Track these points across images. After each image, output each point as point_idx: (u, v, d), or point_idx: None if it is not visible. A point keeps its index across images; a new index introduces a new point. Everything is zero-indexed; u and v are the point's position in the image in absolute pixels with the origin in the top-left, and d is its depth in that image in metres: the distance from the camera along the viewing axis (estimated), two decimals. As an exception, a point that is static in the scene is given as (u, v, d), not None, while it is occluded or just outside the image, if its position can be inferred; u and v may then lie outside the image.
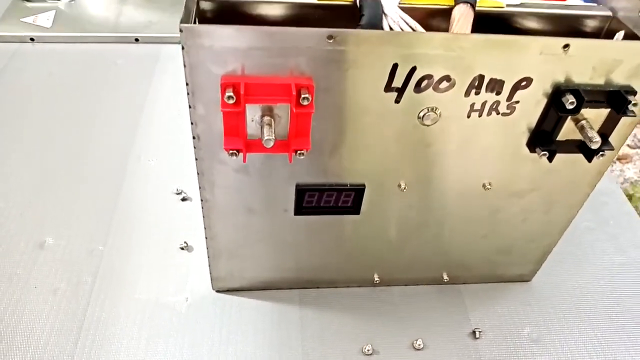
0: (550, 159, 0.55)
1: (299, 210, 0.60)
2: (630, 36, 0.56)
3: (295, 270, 0.70)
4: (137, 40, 1.13)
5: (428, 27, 0.59)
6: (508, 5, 0.57)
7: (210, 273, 0.69)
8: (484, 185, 0.60)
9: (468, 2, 0.53)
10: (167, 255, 0.75)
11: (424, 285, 0.75)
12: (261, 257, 0.68)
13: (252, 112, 0.48)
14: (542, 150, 0.54)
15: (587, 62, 0.49)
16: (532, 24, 0.58)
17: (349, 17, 0.54)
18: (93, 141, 0.91)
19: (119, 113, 0.97)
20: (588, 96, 0.50)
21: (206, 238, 0.63)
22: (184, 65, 0.46)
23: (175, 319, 0.68)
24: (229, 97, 0.46)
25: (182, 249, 0.76)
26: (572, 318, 0.72)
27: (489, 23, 0.57)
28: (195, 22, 0.51)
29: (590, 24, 0.59)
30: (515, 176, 0.60)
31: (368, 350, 0.66)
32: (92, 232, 0.77)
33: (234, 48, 0.44)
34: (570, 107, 0.50)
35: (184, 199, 0.82)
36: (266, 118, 0.49)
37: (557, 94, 0.51)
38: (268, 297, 0.71)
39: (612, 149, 0.54)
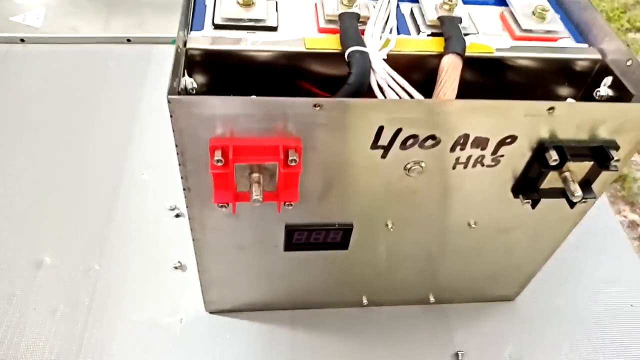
0: (533, 206, 0.56)
1: (289, 246, 0.62)
2: (617, 84, 0.56)
3: (286, 295, 0.73)
4: (129, 40, 1.12)
5: (416, 74, 0.60)
6: (498, 50, 0.57)
7: (203, 297, 0.71)
8: (469, 224, 0.62)
9: (456, 53, 0.53)
10: (161, 274, 0.77)
11: (412, 306, 0.77)
12: (252, 285, 0.70)
13: (241, 169, 0.49)
14: (526, 199, 0.55)
15: (572, 121, 0.49)
16: (521, 67, 0.58)
17: (338, 64, 0.54)
18: (86, 152, 0.91)
19: (111, 121, 0.97)
20: (571, 152, 0.51)
21: (198, 271, 0.65)
22: (173, 130, 0.46)
23: (170, 341, 0.71)
24: (218, 161, 0.46)
25: (176, 268, 0.78)
26: (552, 338, 0.75)
27: (479, 67, 0.57)
28: (184, 74, 0.51)
29: (580, 66, 0.59)
30: (500, 217, 0.61)
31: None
32: (88, 251, 0.79)
33: (222, 115, 0.45)
34: (554, 164, 0.51)
35: (177, 215, 0.84)
36: (255, 175, 0.49)
37: (541, 149, 0.51)
38: (260, 319, 0.74)
39: (595, 198, 0.56)
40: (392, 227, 0.60)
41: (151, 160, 0.90)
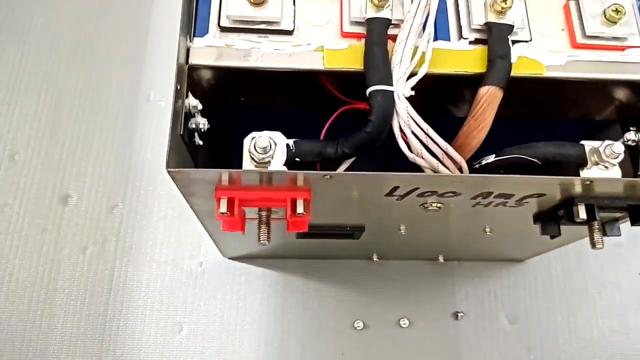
0: (552, 237, 0.54)
1: (300, 236, 0.62)
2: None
3: (299, 251, 0.76)
4: None
5: (450, 96, 0.52)
6: (550, 67, 0.48)
7: (217, 247, 0.75)
8: (484, 231, 0.60)
9: (497, 86, 0.46)
10: (182, 219, 0.80)
11: (420, 261, 0.80)
12: (267, 248, 0.72)
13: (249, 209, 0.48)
14: (544, 232, 0.53)
15: (609, 187, 0.45)
16: (573, 87, 0.50)
17: (362, 83, 0.47)
18: (100, 82, 0.87)
19: (122, 46, 0.90)
20: (603, 209, 0.47)
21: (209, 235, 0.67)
22: (176, 184, 0.44)
23: (191, 282, 0.77)
24: (223, 213, 0.45)
25: (196, 211, 0.80)
26: (552, 302, 0.79)
27: (523, 86, 0.50)
28: (187, 96, 0.46)
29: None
30: (518, 228, 0.59)
31: (358, 326, 0.76)
32: (111, 188, 0.81)
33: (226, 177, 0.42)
34: (580, 221, 0.47)
35: (196, 151, 0.83)
36: (263, 214, 0.48)
37: (569, 202, 0.48)
38: (274, 266, 0.78)
39: (620, 235, 0.53)
40: (404, 231, 0.60)
41: (167, 84, 0.86)
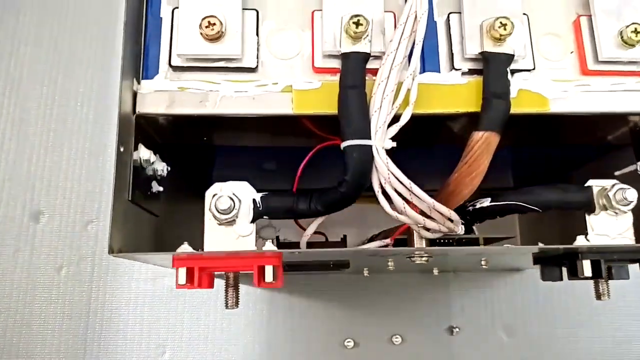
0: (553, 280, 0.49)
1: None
2: None
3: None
4: None
5: (437, 133, 0.46)
6: (555, 102, 0.42)
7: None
8: (480, 263, 0.55)
9: (493, 131, 0.40)
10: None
11: (413, 273, 0.76)
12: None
13: (214, 270, 0.43)
14: (545, 279, 0.48)
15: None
16: (578, 122, 0.44)
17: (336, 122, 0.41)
18: (68, 87, 0.80)
19: (90, 48, 0.82)
20: (610, 263, 0.42)
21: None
22: (126, 257, 0.39)
23: (173, 299, 0.73)
24: (182, 285, 0.40)
25: (175, 224, 0.75)
26: (551, 312, 0.75)
27: (524, 123, 0.43)
28: (136, 148, 0.40)
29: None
30: (515, 262, 0.54)
31: (349, 344, 0.72)
32: (84, 203, 0.76)
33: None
34: (584, 277, 0.42)
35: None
36: (230, 275, 0.43)
37: (572, 255, 0.42)
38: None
39: (627, 279, 0.48)
40: (392, 267, 0.55)
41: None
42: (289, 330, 0.73)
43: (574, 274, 0.43)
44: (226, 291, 0.43)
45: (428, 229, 0.42)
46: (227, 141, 0.49)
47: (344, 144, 0.38)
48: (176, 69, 0.41)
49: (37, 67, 0.80)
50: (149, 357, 0.71)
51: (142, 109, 0.40)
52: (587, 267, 0.42)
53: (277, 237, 0.69)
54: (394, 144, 0.39)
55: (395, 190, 0.39)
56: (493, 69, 0.40)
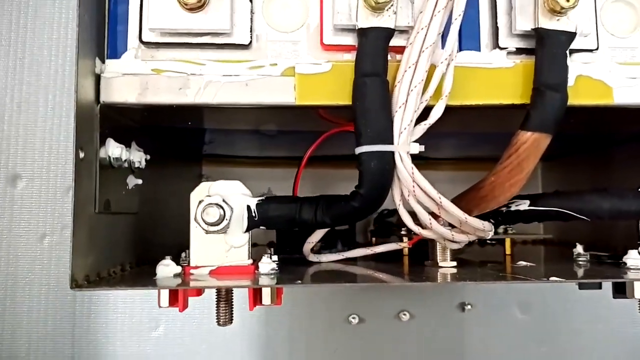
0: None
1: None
2: None
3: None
4: None
5: (473, 124, 0.38)
6: (620, 91, 0.34)
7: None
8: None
9: (544, 132, 0.32)
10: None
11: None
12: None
13: (203, 283, 0.37)
14: (586, 289, 0.42)
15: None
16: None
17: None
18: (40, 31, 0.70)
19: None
20: None
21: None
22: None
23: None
24: (165, 307, 0.34)
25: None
26: (567, 289, 0.70)
27: (583, 116, 0.35)
28: (103, 143, 0.33)
29: None
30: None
31: (353, 320, 0.68)
32: (65, 166, 0.69)
33: (158, 282, 0.31)
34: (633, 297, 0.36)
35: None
36: (222, 292, 0.37)
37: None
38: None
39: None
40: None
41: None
42: (290, 305, 0.68)
43: (621, 292, 0.37)
44: (218, 307, 0.37)
45: (455, 241, 0.35)
46: (219, 125, 0.41)
47: (359, 150, 0.31)
48: (149, 45, 0.32)
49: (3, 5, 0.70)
50: (141, 332, 0.68)
51: (107, 97, 0.32)
52: (638, 289, 0.36)
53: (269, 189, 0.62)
54: (422, 148, 0.31)
55: (420, 203, 0.32)
56: (549, 51, 0.32)
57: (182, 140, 0.48)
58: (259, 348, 0.69)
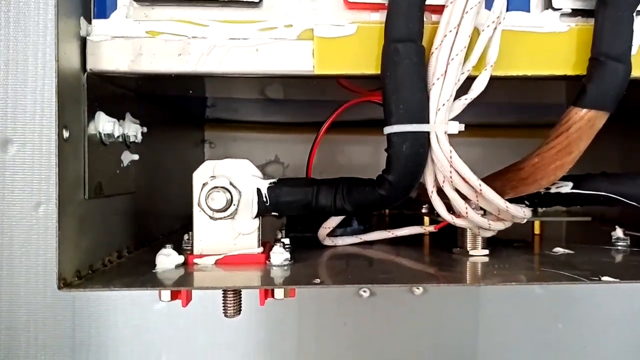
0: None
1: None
2: None
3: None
4: None
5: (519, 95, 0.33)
6: (690, 60, 0.29)
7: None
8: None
9: (601, 109, 0.27)
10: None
11: (440, 217, 0.66)
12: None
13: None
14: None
15: None
16: None
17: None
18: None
19: None
20: None
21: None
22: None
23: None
24: (167, 300, 0.31)
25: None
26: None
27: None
28: (92, 117, 0.29)
29: None
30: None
31: (364, 293, 0.66)
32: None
33: (159, 278, 0.27)
34: None
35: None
36: (229, 292, 0.33)
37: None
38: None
39: None
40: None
41: None
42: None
43: None
44: (224, 299, 0.34)
45: (491, 229, 0.32)
46: (223, 94, 0.37)
47: (389, 130, 0.26)
48: (143, 2, 0.27)
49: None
50: (143, 304, 0.65)
51: (95, 64, 0.27)
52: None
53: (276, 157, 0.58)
54: (462, 127, 0.27)
55: (456, 190, 0.28)
56: (612, 13, 0.27)
57: (183, 105, 0.43)
58: (267, 322, 0.66)
